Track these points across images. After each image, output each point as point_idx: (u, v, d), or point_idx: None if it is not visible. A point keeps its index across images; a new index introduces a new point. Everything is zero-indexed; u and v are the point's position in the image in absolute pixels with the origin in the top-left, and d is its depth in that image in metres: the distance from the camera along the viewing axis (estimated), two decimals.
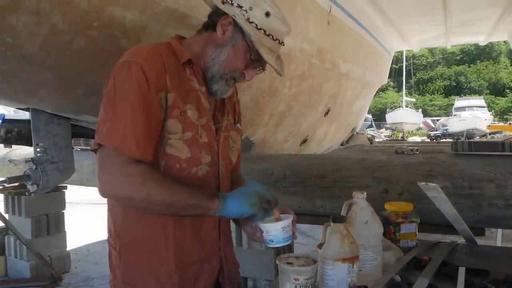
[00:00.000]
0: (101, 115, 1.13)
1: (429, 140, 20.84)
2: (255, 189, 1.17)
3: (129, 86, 1.10)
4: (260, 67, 1.29)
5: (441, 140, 19.01)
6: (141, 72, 1.10)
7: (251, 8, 1.19)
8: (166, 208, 1.13)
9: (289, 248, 3.00)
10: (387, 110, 29.16)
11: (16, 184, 3.45)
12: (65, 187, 4.05)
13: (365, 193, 1.35)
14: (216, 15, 1.23)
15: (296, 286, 1.13)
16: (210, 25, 1.26)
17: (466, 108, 25.64)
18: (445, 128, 23.95)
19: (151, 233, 1.19)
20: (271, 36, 1.22)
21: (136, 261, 1.20)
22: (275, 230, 1.16)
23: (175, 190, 1.12)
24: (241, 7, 1.19)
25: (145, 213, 1.18)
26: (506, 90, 41.57)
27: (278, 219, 1.17)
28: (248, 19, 1.19)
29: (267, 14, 1.20)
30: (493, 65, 45.23)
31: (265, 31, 1.20)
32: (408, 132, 25.73)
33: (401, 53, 31.64)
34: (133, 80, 1.10)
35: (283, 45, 1.27)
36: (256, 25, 1.19)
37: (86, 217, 6.21)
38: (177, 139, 1.16)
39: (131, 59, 1.13)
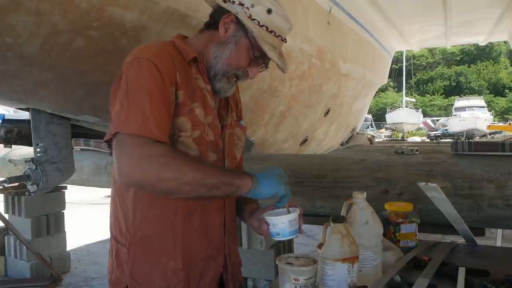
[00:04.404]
0: (115, 110, 1.10)
1: (429, 140, 20.84)
2: (283, 172, 1.18)
3: (142, 77, 1.09)
4: (263, 65, 1.29)
5: (441, 140, 19.01)
6: (153, 65, 1.10)
7: (252, 6, 1.20)
8: (198, 186, 1.07)
9: (289, 248, 3.01)
10: (387, 110, 29.15)
11: (16, 184, 3.44)
12: (65, 187, 4.05)
13: (365, 193, 1.35)
14: (218, 14, 1.24)
15: (296, 286, 1.13)
16: (212, 24, 1.26)
17: (466, 108, 25.59)
18: (445, 128, 23.92)
19: (160, 230, 1.19)
20: (273, 33, 1.22)
21: (144, 258, 1.20)
22: (282, 223, 1.15)
23: (205, 166, 1.11)
24: (242, 4, 1.20)
25: (155, 208, 1.18)
26: (506, 90, 41.57)
27: (287, 209, 1.17)
28: (250, 16, 1.20)
29: (269, 11, 1.21)
30: (493, 65, 45.21)
31: (267, 28, 1.21)
32: (408, 132, 25.72)
33: (401, 53, 31.66)
34: (145, 73, 1.09)
35: (285, 42, 1.28)
36: (259, 22, 1.20)
37: (86, 217, 6.22)
38: (187, 137, 1.16)
39: (139, 56, 1.12)
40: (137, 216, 1.19)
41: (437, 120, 30.27)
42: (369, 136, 7.96)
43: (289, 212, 1.18)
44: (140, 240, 1.20)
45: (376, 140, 9.83)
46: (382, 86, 9.96)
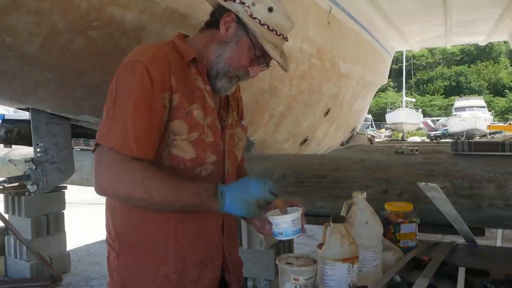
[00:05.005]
0: (103, 115, 1.12)
1: (429, 140, 20.84)
2: (254, 192, 1.08)
3: (132, 84, 1.09)
4: (265, 64, 1.29)
5: (441, 140, 19.01)
6: (146, 71, 1.09)
7: (253, 4, 1.19)
8: (166, 207, 1.11)
9: (289, 248, 3.01)
10: (387, 110, 29.16)
11: (16, 184, 3.44)
12: (65, 187, 4.05)
13: (365, 193, 1.35)
14: (219, 13, 1.23)
15: (296, 286, 1.12)
16: (212, 23, 1.26)
17: (466, 108, 25.59)
18: (445, 128, 23.93)
19: (151, 234, 1.18)
20: (274, 31, 1.22)
21: (134, 262, 1.19)
22: (284, 222, 1.14)
23: (176, 189, 1.09)
24: (243, 3, 1.20)
25: (145, 214, 1.17)
26: (506, 90, 41.57)
27: (279, 206, 1.15)
28: (251, 15, 1.19)
29: (270, 10, 1.20)
30: (493, 65, 45.19)
31: (268, 27, 1.20)
32: (408, 132, 25.72)
33: (401, 53, 31.65)
34: (136, 79, 1.09)
35: (287, 40, 1.27)
36: (260, 20, 1.19)
37: (86, 217, 6.21)
38: (183, 140, 1.15)
39: (136, 59, 1.12)
40: (127, 220, 1.19)
41: (437, 120, 30.28)
42: (369, 136, 7.96)
43: (287, 212, 1.17)
44: (130, 247, 1.19)
45: (376, 140, 9.83)
46: (382, 86, 9.95)
